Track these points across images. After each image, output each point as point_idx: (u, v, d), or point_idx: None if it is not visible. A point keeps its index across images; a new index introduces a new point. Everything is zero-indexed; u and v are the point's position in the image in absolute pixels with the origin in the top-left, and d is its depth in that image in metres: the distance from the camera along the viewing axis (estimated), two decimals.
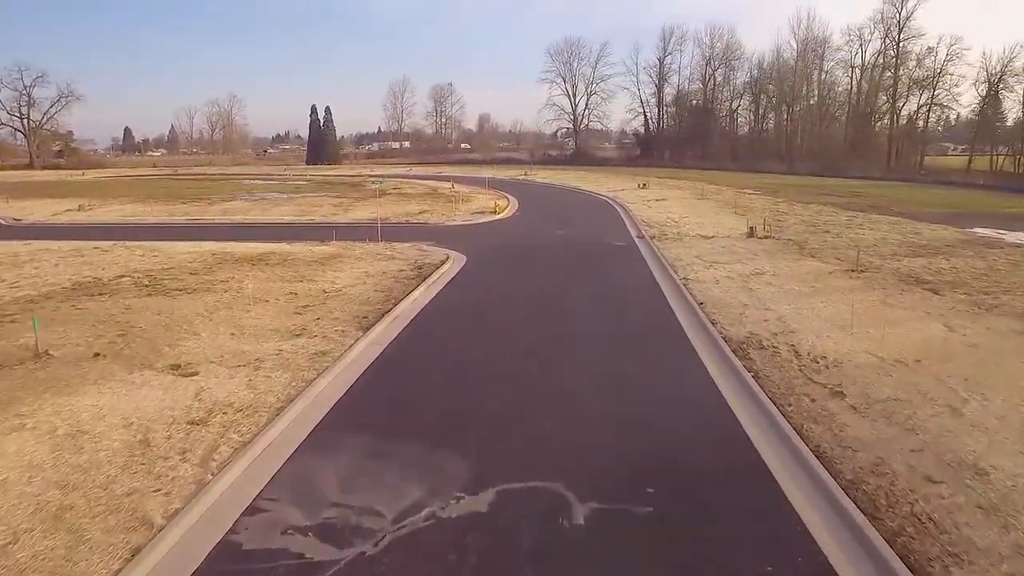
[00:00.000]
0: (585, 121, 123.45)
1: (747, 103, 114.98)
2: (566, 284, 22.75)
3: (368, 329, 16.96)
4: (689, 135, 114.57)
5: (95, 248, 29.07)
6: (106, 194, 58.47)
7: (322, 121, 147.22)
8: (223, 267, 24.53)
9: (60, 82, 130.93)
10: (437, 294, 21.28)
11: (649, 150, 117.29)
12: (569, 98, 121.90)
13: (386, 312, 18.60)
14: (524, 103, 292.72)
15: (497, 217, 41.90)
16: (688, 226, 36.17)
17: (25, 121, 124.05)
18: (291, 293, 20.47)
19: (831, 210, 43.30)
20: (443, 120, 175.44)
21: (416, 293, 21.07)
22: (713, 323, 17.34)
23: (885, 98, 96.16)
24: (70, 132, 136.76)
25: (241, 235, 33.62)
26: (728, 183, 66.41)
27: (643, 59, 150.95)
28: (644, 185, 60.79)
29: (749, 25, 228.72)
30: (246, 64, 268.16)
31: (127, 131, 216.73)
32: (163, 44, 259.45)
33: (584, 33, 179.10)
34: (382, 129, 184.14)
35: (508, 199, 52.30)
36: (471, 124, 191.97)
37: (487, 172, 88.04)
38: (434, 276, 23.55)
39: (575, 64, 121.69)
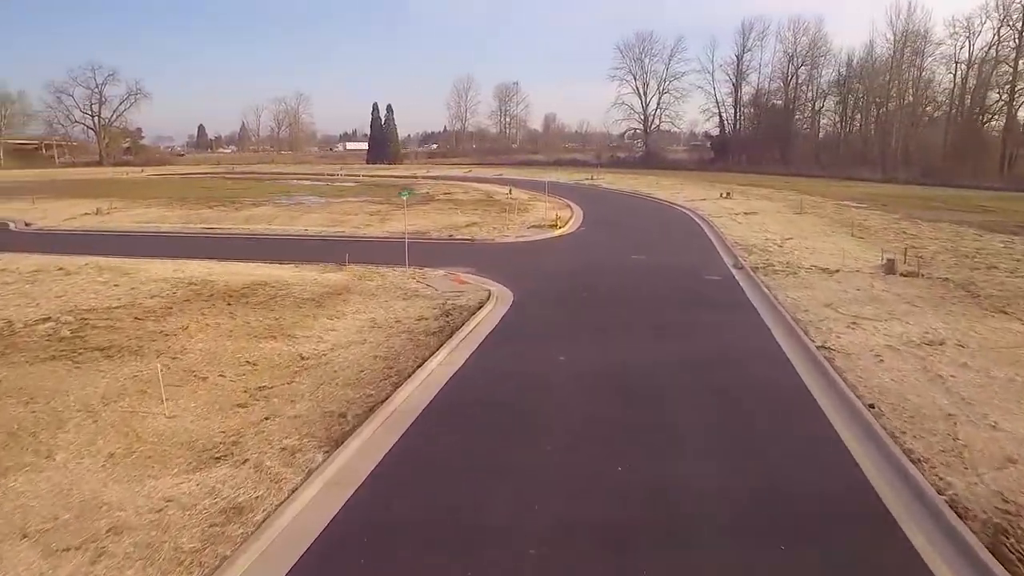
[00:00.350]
0: (656, 122, 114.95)
1: (832, 103, 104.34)
2: (652, 351, 15.59)
3: (337, 447, 10.26)
4: (767, 138, 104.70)
5: (60, 269, 23.58)
6: (139, 195, 54.11)
7: (383, 119, 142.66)
8: (187, 308, 18.28)
9: (129, 80, 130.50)
10: (463, 366, 14.45)
11: (724, 153, 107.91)
12: (640, 97, 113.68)
13: (378, 404, 11.89)
14: (591, 103, 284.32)
15: (557, 233, 34.82)
16: (797, 252, 28.27)
17: (96, 119, 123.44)
18: (249, 362, 13.94)
19: (972, 232, 34.47)
20: (507, 119, 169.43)
21: (433, 363, 14.28)
22: (915, 460, 9.93)
23: (998, 96, 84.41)
24: (139, 129, 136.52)
25: (247, 252, 27.82)
26: (821, 192, 57.45)
27: (719, 56, 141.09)
28: (727, 194, 52.63)
29: (838, 19, 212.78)
30: (316, 63, 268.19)
31: (201, 128, 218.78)
32: (235, 42, 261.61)
33: (657, 28, 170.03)
34: (447, 128, 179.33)
35: (571, 208, 45.13)
36: (536, 124, 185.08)
37: (550, 175, 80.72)
38: (465, 330, 16.71)
39: (646, 61, 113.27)
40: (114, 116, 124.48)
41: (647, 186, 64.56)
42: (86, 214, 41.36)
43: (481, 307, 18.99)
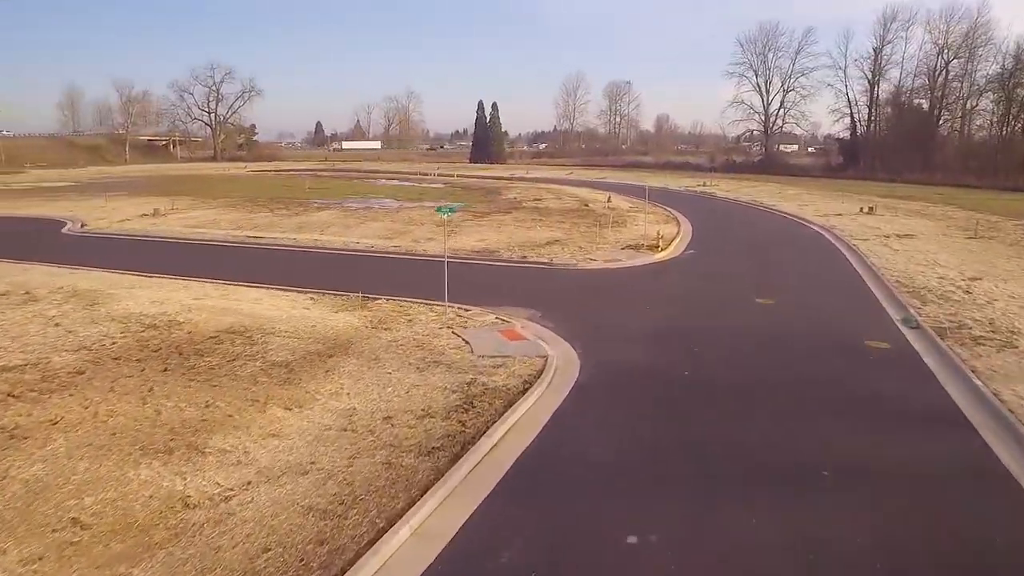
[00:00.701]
0: (779, 122, 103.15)
1: (988, 102, 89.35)
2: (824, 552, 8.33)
3: None
4: (907, 142, 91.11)
5: (26, 294, 18.97)
6: (213, 194, 51.16)
7: (488, 117, 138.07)
8: (101, 374, 12.70)
9: (244, 78, 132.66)
10: (448, 546, 7.84)
11: (854, 159, 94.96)
12: (761, 95, 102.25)
13: None
14: (706, 102, 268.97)
15: (658, 257, 27.52)
16: (1000, 304, 19.73)
17: (212, 116, 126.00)
18: (78, 522, 7.93)
19: None
20: (617, 119, 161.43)
21: (397, 539, 7.81)
22: None
23: None
24: (252, 126, 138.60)
25: (269, 272, 23.12)
26: (989, 207, 46.45)
27: (854, 49, 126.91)
28: (870, 209, 43.04)
29: (1003, 3, 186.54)
30: (430, 62, 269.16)
31: (318, 126, 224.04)
32: (351, 40, 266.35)
33: (783, 19, 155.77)
34: (557, 128, 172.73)
35: (678, 223, 37.51)
36: (648, 124, 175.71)
37: (658, 180, 72.81)
38: (484, 446, 10.17)
39: (770, 56, 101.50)
40: (229, 113, 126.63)
41: (769, 195, 55.39)
42: (144, 215, 37.98)
43: (525, 392, 12.37)
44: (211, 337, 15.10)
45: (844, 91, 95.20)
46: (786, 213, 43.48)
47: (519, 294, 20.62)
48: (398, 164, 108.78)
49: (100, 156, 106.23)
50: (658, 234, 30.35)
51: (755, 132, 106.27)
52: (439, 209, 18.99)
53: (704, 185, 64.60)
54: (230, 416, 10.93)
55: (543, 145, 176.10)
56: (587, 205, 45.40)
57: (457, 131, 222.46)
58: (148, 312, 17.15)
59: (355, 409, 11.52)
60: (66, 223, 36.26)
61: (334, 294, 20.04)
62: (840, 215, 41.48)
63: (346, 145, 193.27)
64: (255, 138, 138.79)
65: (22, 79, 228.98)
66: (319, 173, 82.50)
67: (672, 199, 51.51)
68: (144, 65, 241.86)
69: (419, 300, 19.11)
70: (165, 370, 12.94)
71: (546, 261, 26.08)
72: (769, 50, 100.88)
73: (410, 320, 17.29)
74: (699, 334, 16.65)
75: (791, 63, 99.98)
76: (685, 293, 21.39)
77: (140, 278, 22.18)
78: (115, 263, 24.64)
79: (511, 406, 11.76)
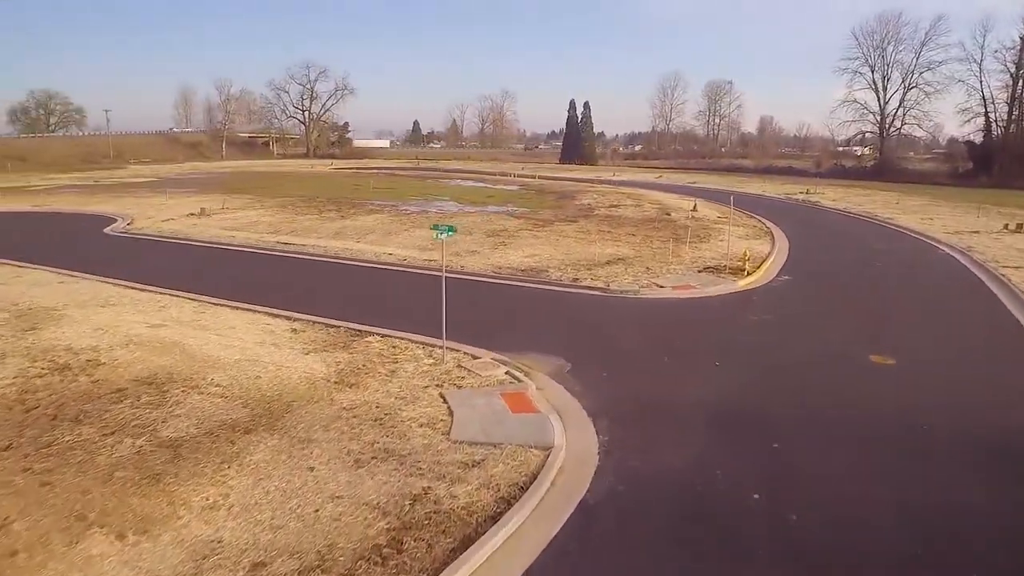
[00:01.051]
0: (897, 124, 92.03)
1: None
2: None
3: None
4: None
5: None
6: (273, 193, 49.14)
7: (580, 117, 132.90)
8: None
9: (337, 77, 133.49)
10: None
11: (987, 165, 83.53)
12: (876, 93, 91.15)
13: None
14: (812, 104, 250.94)
15: (742, 284, 22.18)
16: None
17: (306, 114, 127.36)
18: None
19: None
20: (716, 121, 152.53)
21: None
22: None
23: None
24: (345, 124, 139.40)
25: (271, 288, 20.09)
26: None
27: (993, 39, 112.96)
28: (1018, 226, 35.29)
29: None
30: (527, 61, 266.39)
31: (415, 124, 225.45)
32: (452, 40, 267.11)
33: (906, 8, 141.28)
34: (656, 129, 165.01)
35: (772, 239, 31.67)
36: (750, 126, 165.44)
37: (755, 186, 65.88)
38: None
39: (889, 49, 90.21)
40: (322, 111, 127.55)
41: (884, 206, 47.76)
42: (191, 214, 35.92)
43: (497, 521, 7.96)
44: (117, 390, 11.45)
45: (978, 87, 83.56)
46: (907, 229, 36.44)
47: (553, 333, 16.12)
48: (484, 164, 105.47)
49: (199, 152, 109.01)
50: (745, 253, 24.83)
51: (868, 135, 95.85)
52: (434, 227, 14.61)
53: (807, 193, 57.21)
54: (16, 553, 7.02)
55: (639, 147, 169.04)
56: (668, 214, 39.92)
57: (553, 131, 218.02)
58: (78, 345, 13.80)
59: (221, 542, 7.41)
60: (116, 221, 34.66)
61: (325, 324, 16.21)
62: (977, 232, 34.20)
63: (438, 145, 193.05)
64: (348, 136, 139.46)
65: (148, 80, 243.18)
66: (397, 172, 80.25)
67: (768, 209, 45.11)
68: (262, 67, 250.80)
69: (422, 338, 14.97)
70: (8, 447, 9.29)
71: (601, 286, 21.29)
72: (889, 42, 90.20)
73: (392, 371, 13.11)
74: (785, 417, 11.55)
75: (915, 57, 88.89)
76: (771, 342, 16.07)
77: (125, 290, 19.39)
78: (122, 270, 22.23)
79: (463, 550, 7.34)
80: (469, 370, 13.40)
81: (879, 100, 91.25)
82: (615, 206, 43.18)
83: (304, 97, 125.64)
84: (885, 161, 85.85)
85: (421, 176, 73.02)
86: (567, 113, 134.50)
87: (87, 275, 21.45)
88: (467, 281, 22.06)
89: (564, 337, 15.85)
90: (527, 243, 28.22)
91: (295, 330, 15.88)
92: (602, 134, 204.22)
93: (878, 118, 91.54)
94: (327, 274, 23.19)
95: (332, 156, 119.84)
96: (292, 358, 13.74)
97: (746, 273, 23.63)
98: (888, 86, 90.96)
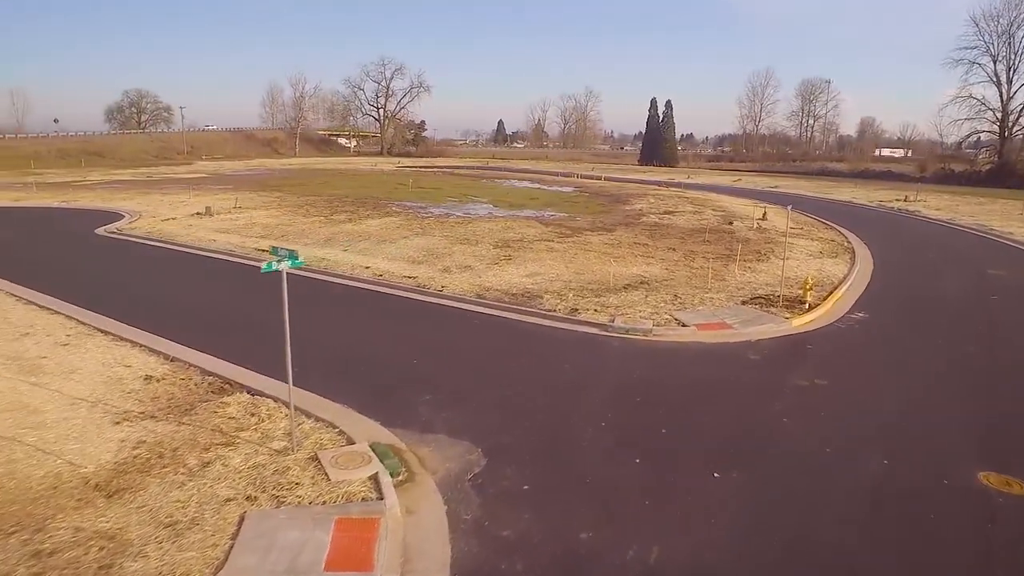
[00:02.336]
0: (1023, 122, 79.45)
1: None
2: None
3: None
4: None
5: None
6: (305, 191, 45.83)
7: (661, 116, 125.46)
8: None
9: (413, 74, 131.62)
10: None
11: None
12: (998, 87, 78.83)
13: None
14: (918, 103, 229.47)
15: (797, 324, 16.53)
16: None
17: (381, 111, 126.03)
18: None
19: None
20: (810, 122, 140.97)
21: None
22: None
23: None
24: (422, 122, 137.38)
25: (178, 311, 15.60)
26: None
27: None
28: None
29: None
30: (613, 60, 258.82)
31: (500, 124, 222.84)
32: (532, 39, 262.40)
33: None
34: (744, 130, 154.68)
35: (853, 258, 25.41)
36: (849, 128, 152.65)
37: (845, 191, 57.92)
38: None
39: (1019, 35, 78.22)
40: (397, 108, 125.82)
41: (1004, 218, 39.57)
42: (197, 214, 32.83)
43: None
44: None
45: None
46: None
47: (493, 397, 11.27)
48: (555, 164, 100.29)
49: (274, 149, 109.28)
50: (807, 281, 18.82)
51: (984, 135, 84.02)
52: (273, 251, 10.01)
53: (905, 200, 49.07)
54: None
55: (729, 148, 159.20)
56: (730, 223, 33.79)
57: (639, 132, 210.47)
58: None
59: None
60: (121, 219, 32.19)
61: (202, 369, 12.00)
62: None
63: (521, 145, 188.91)
64: (424, 134, 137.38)
65: (246, 79, 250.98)
66: (459, 171, 76.39)
67: (854, 219, 38.22)
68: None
69: (314, 399, 10.54)
70: None
71: (605, 320, 16.10)
72: (1017, 26, 78.08)
73: (207, 462, 8.66)
74: None
75: None
76: (817, 437, 10.43)
77: (12, 306, 15.73)
78: (48, 280, 18.91)
79: None
80: (322, 466, 8.72)
81: (1001, 95, 79.37)
82: (669, 213, 37.29)
83: (379, 95, 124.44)
84: (1005, 165, 74.42)
85: (480, 176, 68.74)
86: (648, 113, 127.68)
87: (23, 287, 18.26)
88: (433, 307, 17.41)
89: (503, 406, 10.93)
90: (537, 257, 23.18)
91: (151, 378, 11.71)
92: (691, 136, 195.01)
93: (998, 116, 79.79)
94: (271, 292, 19.00)
95: (407, 154, 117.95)
96: (89, 430, 9.51)
97: (807, 307, 17.81)
98: (1014, 78, 79.01)
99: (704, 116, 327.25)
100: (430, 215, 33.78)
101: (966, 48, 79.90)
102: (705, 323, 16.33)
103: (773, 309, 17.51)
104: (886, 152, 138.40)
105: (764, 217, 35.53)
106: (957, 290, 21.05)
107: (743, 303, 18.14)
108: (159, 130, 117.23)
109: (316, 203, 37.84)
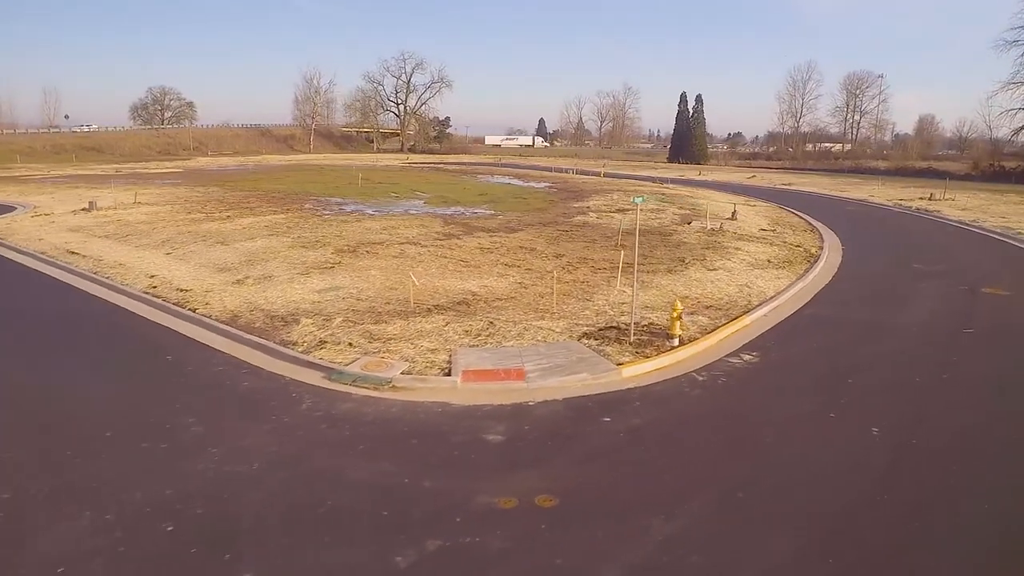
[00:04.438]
0: None
1: None
2: None
3: None
4: None
5: None
6: (250, 187, 41.43)
7: (691, 112, 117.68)
8: None
9: (433, 69, 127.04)
10: None
11: None
12: None
13: None
14: (971, 95, 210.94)
15: (631, 377, 10.92)
16: None
17: (402, 107, 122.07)
18: None
19: None
20: (856, 118, 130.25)
21: None
22: None
23: None
24: (447, 118, 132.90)
25: None
26: None
27: None
28: None
29: None
30: (654, 59, 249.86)
31: (541, 122, 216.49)
32: (570, 38, 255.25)
33: None
34: (783, 127, 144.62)
35: (807, 270, 19.19)
36: (907, 126, 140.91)
37: (867, 190, 50.46)
38: None
39: None
40: (418, 104, 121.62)
41: None
42: (83, 210, 28.67)
43: None
44: None
45: None
46: None
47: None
48: (574, 162, 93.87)
49: (289, 146, 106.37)
50: (676, 306, 12.88)
51: None
52: None
53: (930, 199, 41.55)
54: None
55: (770, 147, 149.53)
56: (688, 223, 27.64)
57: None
58: None
59: None
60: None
61: None
62: None
63: (560, 143, 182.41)
64: (450, 131, 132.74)
65: (274, 76, 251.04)
66: (461, 167, 71.44)
67: (850, 220, 31.75)
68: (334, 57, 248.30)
69: None
70: None
71: (330, 366, 10.80)
72: None
73: None
74: None
75: None
76: None
77: None
78: None
79: None
80: None
81: None
82: (620, 211, 31.20)
83: (399, 90, 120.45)
84: None
85: (468, 172, 63.34)
86: (677, 107, 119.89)
87: None
88: (156, 332, 12.45)
89: None
90: (369, 265, 17.83)
91: None
92: (739, 134, 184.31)
93: None
94: None
95: (431, 151, 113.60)
96: None
97: (676, 342, 12.05)
98: None
99: (755, 114, 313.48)
100: (334, 213, 28.65)
101: (1022, 28, 69.75)
102: (488, 370, 10.83)
103: (609, 349, 11.81)
104: (943, 152, 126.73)
105: (733, 216, 29.26)
106: (921, 319, 14.74)
107: (581, 337, 12.46)
108: (180, 127, 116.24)
109: (228, 199, 33.22)
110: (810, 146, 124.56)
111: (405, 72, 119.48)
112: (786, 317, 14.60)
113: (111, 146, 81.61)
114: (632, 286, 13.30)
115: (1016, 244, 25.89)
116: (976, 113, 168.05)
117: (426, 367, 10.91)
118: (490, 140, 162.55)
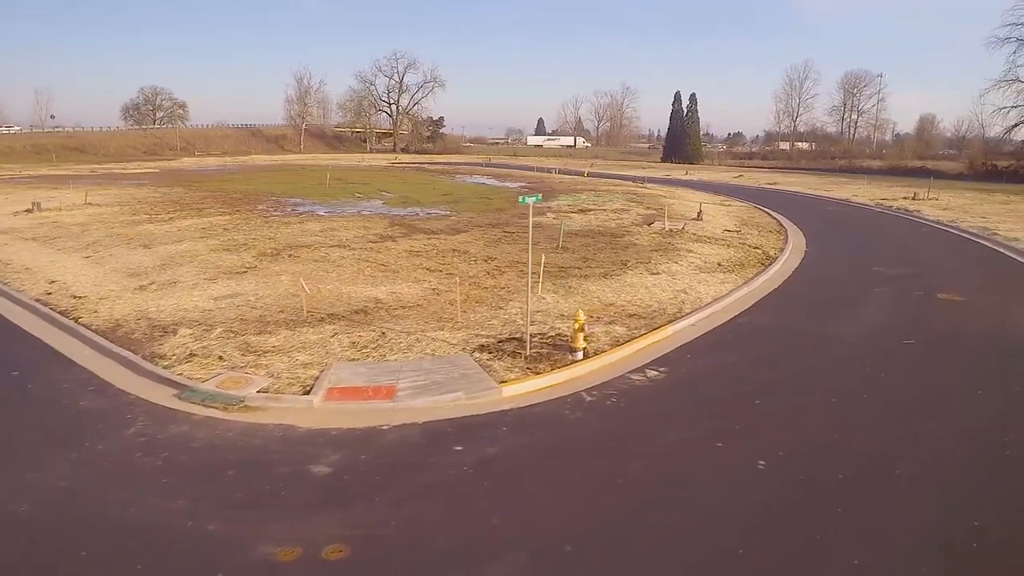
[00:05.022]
0: None
1: None
2: None
3: None
4: None
5: None
6: (214, 188, 40.38)
7: (685, 111, 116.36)
8: None
9: (426, 68, 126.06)
10: None
11: None
12: None
13: None
14: (967, 94, 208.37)
15: (512, 397, 9.95)
16: None
17: (394, 107, 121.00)
18: None
19: None
20: (853, 117, 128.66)
21: None
22: None
23: None
24: (441, 118, 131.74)
25: None
26: None
27: None
28: None
29: None
30: (652, 58, 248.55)
31: (540, 122, 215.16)
32: (571, 38, 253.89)
33: None
34: (779, 126, 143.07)
35: (758, 274, 18.09)
36: (907, 126, 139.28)
37: (850, 190, 49.34)
38: None
39: None
40: (411, 104, 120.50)
41: (1020, 221, 30.93)
42: (26, 211, 27.66)
43: None
44: None
45: None
46: None
47: None
48: (564, 162, 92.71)
49: (279, 146, 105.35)
50: (578, 317, 11.95)
51: None
52: None
53: (913, 198, 40.41)
54: None
55: (761, 146, 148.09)
56: (649, 223, 26.55)
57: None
58: None
59: None
60: None
61: None
62: None
63: (544, 142, 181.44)
64: (442, 131, 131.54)
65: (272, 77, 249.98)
66: (443, 166, 70.41)
67: (824, 220, 30.75)
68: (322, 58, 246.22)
69: None
70: None
71: (207, 376, 9.81)
72: None
73: None
74: None
75: None
76: None
77: None
78: None
79: None
80: None
81: None
82: (582, 211, 30.08)
83: (391, 90, 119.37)
84: None
85: (447, 172, 62.24)
86: (672, 107, 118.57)
87: None
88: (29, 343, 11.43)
89: None
90: (282, 270, 16.80)
91: None
92: (740, 134, 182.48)
93: None
94: None
95: (424, 151, 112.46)
96: None
97: (580, 355, 11.03)
98: None
99: (756, 114, 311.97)
100: (284, 214, 27.59)
101: (1015, 24, 68.14)
102: (356, 387, 9.81)
103: (499, 364, 10.77)
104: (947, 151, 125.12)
105: (699, 217, 28.17)
106: (862, 328, 13.62)
107: (476, 349, 11.42)
108: (171, 127, 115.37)
109: (184, 200, 32.16)
110: (806, 145, 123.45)
111: (397, 72, 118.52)
112: (715, 327, 13.50)
113: (95, 146, 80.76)
114: (529, 292, 12.26)
115: (988, 245, 24.74)
116: (969, 111, 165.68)
117: (289, 384, 9.89)
118: (532, 141, 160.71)
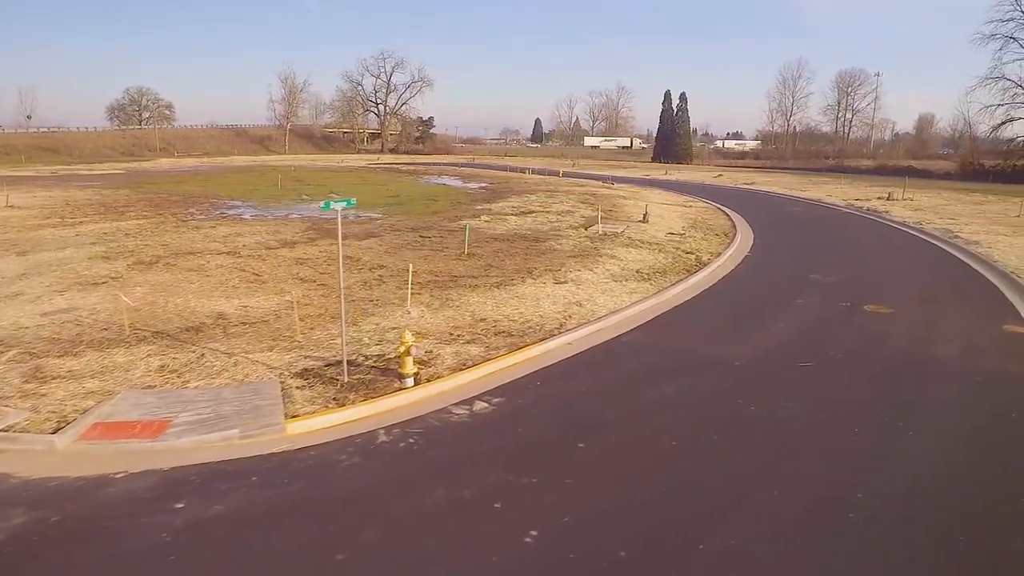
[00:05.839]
0: None
1: None
2: None
3: None
4: None
5: None
6: (162, 191, 39.12)
7: (676, 110, 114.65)
8: None
9: (413, 68, 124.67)
10: None
11: None
12: None
13: None
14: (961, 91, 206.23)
15: (297, 435, 8.60)
16: None
17: (382, 107, 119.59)
18: None
19: None
20: (847, 116, 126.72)
21: None
22: None
23: None
24: (431, 118, 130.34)
25: None
26: None
27: None
28: None
29: None
30: (647, 58, 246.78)
31: (537, 122, 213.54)
32: (569, 37, 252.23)
33: None
34: (773, 125, 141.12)
35: (676, 282, 16.64)
36: (906, 125, 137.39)
37: (827, 188, 47.76)
38: None
39: None
40: (398, 104, 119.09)
41: (989, 223, 29.27)
42: None
43: None
44: None
45: None
46: (996, 270, 19.47)
47: None
48: (546, 162, 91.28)
49: (265, 147, 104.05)
50: (404, 338, 10.58)
51: (1015, 123, 69.06)
52: None
53: (888, 198, 38.90)
54: None
55: (760, 145, 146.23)
56: (585, 228, 25.13)
57: (694, 129, 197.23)
58: None
59: None
60: None
61: None
62: None
63: (556, 143, 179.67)
64: (431, 131, 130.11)
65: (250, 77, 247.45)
66: (400, 167, 68.98)
67: (784, 221, 29.30)
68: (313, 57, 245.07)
69: None
70: None
71: None
72: None
73: None
74: None
75: None
76: None
77: None
78: None
79: None
80: None
81: None
82: (525, 213, 28.59)
83: (378, 89, 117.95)
84: None
85: (417, 172, 60.86)
86: (662, 106, 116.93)
87: None
88: None
89: None
90: (146, 281, 15.44)
91: None
92: (738, 133, 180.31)
93: None
94: None
95: (413, 151, 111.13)
96: None
97: (409, 382, 9.64)
98: None
99: (754, 114, 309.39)
100: (207, 217, 26.27)
101: (1000, 21, 66.00)
102: (123, 423, 8.46)
103: (306, 393, 9.38)
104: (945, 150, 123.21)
105: (644, 219, 26.72)
106: (763, 348, 12.13)
107: (295, 374, 10.03)
108: (155, 127, 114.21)
109: (113, 203, 30.81)
110: (801, 144, 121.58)
111: (384, 71, 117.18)
112: (592, 346, 12.06)
113: (70, 147, 79.52)
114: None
115: (945, 248, 23.23)
116: (956, 110, 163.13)
117: (46, 419, 8.51)
118: (589, 142, 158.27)
